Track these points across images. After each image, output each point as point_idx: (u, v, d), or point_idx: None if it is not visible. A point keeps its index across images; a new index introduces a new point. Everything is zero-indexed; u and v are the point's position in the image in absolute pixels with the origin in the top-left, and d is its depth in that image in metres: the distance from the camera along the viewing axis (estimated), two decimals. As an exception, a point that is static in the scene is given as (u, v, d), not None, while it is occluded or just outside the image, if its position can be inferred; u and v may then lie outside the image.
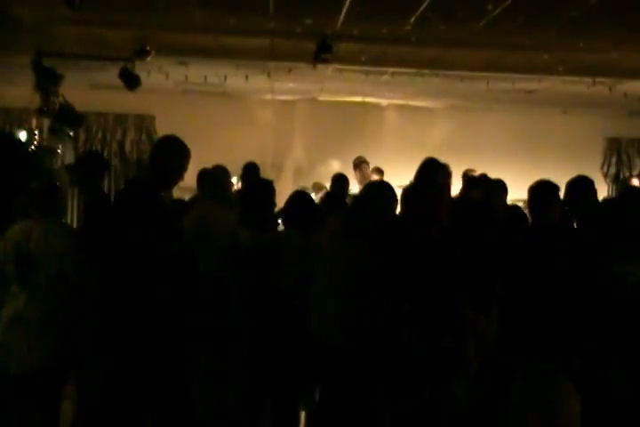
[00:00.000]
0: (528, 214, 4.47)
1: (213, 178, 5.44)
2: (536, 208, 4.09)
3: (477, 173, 6.58)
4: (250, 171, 6.81)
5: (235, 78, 8.09)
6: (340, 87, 8.92)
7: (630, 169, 11.10)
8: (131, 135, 10.43)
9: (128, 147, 10.44)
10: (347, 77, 7.85)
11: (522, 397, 2.47)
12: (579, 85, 7.78)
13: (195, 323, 4.20)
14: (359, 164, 8.76)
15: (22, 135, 8.62)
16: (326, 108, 10.38)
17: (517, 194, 6.53)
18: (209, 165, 5.66)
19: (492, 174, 6.34)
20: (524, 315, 3.73)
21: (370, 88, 8.85)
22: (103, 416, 3.88)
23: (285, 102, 10.52)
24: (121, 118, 10.40)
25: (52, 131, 8.12)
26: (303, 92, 9.74)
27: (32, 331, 4.11)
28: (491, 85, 7.92)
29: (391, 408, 3.83)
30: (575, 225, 4.40)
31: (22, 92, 7.64)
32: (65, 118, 7.67)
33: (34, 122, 8.99)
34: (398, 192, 4.04)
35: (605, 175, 11.09)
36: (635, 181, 9.39)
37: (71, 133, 8.64)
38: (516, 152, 10.33)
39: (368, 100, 10.13)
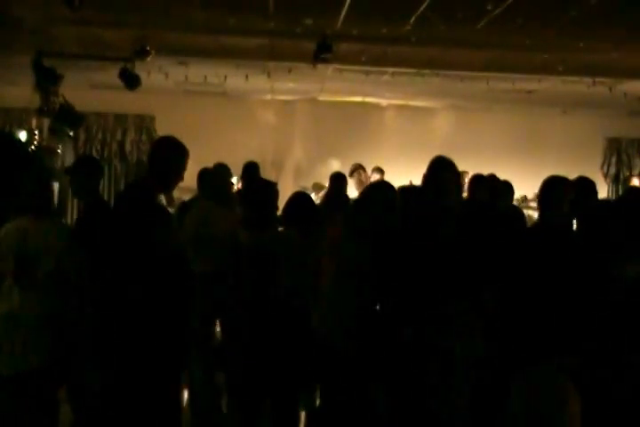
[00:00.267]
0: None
1: (214, 177, 5.43)
2: (542, 205, 4.09)
3: (475, 173, 6.55)
4: (250, 170, 6.80)
5: (235, 78, 8.09)
6: (340, 87, 8.92)
7: (630, 169, 11.11)
8: (131, 135, 10.44)
9: (128, 147, 10.44)
10: (347, 77, 7.86)
11: (522, 397, 2.47)
12: (579, 85, 7.78)
13: (194, 322, 4.21)
14: (354, 170, 8.76)
15: (22, 135, 8.63)
16: (326, 108, 10.38)
17: (517, 193, 6.55)
18: (209, 165, 5.66)
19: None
20: (524, 315, 3.73)
21: (370, 88, 8.85)
22: (102, 418, 3.88)
23: (285, 102, 10.53)
24: (121, 118, 10.40)
25: (51, 131, 8.12)
26: (303, 92, 9.75)
27: (27, 331, 4.10)
28: (491, 85, 7.92)
29: (391, 408, 3.83)
30: (576, 225, 4.40)
31: (22, 92, 7.65)
32: (65, 118, 7.67)
33: (34, 122, 9.00)
34: (398, 192, 4.06)
35: (605, 175, 11.10)
36: (635, 181, 9.39)
37: (71, 133, 8.65)
38: (516, 152, 10.33)
39: (368, 100, 10.13)
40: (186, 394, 4.96)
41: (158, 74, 7.75)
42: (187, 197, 6.25)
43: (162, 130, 10.25)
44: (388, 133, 10.62)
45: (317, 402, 4.62)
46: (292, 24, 5.65)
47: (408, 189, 4.45)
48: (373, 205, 4.02)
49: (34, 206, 4.26)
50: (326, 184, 7.58)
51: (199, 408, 5.02)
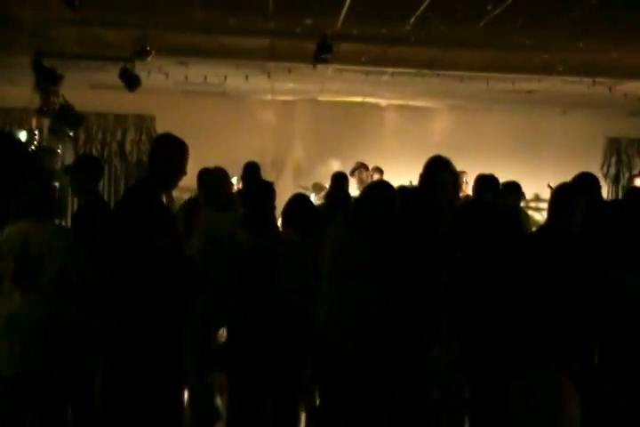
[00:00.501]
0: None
1: (212, 185, 5.40)
2: (549, 211, 4.09)
3: (480, 173, 6.55)
4: (251, 170, 6.80)
5: (235, 78, 8.09)
6: (340, 87, 8.92)
7: (630, 169, 11.10)
8: (131, 135, 10.43)
9: (128, 147, 10.44)
10: (347, 77, 7.85)
11: (522, 397, 2.46)
12: (579, 85, 7.78)
13: (194, 322, 4.21)
14: (356, 169, 8.83)
15: (22, 135, 8.63)
16: (326, 108, 10.38)
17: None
18: (209, 165, 5.66)
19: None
20: (525, 316, 3.73)
21: (370, 88, 8.85)
22: (101, 418, 3.88)
23: (285, 102, 10.52)
24: (121, 118, 10.40)
25: (51, 131, 8.12)
26: (303, 93, 9.74)
27: (28, 332, 4.09)
28: (491, 85, 7.92)
29: (391, 408, 3.83)
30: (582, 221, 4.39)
31: (22, 92, 7.65)
32: (65, 118, 7.67)
33: (34, 122, 9.00)
34: (398, 192, 4.06)
35: (605, 175, 11.09)
36: (638, 181, 9.38)
37: (71, 133, 8.64)
38: (516, 152, 10.33)
39: (368, 100, 10.13)
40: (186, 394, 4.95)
41: (158, 74, 7.74)
42: (187, 197, 6.25)
43: (162, 130, 10.19)
44: (387, 133, 10.62)
45: (317, 402, 4.63)
46: (292, 24, 5.65)
47: (407, 189, 4.45)
48: (372, 205, 4.02)
49: (36, 208, 4.26)
50: (326, 184, 7.59)
51: (198, 408, 5.03)
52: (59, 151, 8.82)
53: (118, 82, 7.13)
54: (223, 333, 5.32)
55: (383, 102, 10.46)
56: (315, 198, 8.15)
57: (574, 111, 10.32)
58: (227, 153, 8.74)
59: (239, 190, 6.89)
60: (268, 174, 8.36)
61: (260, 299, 4.28)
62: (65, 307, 4.17)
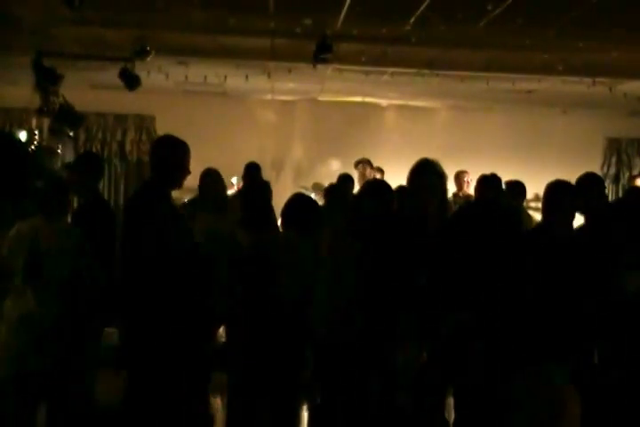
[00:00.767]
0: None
1: (204, 187, 5.40)
2: (544, 209, 4.08)
3: (483, 173, 6.55)
4: (251, 170, 6.81)
5: (235, 78, 8.08)
6: (340, 87, 8.92)
7: (630, 169, 11.09)
8: (131, 135, 10.42)
9: (128, 147, 10.43)
10: (347, 77, 7.85)
11: (522, 397, 2.47)
12: (579, 85, 7.78)
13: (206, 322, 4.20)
14: (357, 164, 8.88)
15: (22, 135, 8.62)
16: (326, 108, 10.38)
17: (517, 194, 6.51)
18: (209, 165, 5.66)
19: (492, 174, 6.34)
20: (524, 316, 3.73)
21: (370, 88, 8.85)
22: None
23: (285, 102, 10.52)
24: (121, 118, 10.39)
25: (51, 131, 8.12)
26: (303, 93, 9.74)
27: (41, 332, 4.09)
28: (491, 85, 7.92)
29: (388, 406, 3.83)
30: (584, 221, 4.39)
31: (22, 92, 7.64)
32: (65, 118, 7.67)
33: (34, 122, 8.99)
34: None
35: (605, 175, 11.07)
36: (638, 182, 9.38)
37: (71, 133, 8.64)
38: (517, 152, 10.32)
39: (368, 100, 10.13)
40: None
41: (158, 74, 7.74)
42: (187, 197, 6.25)
43: (162, 130, 10.22)
44: (388, 133, 10.61)
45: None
46: (292, 24, 5.65)
47: (405, 190, 4.45)
48: (367, 204, 4.03)
49: (45, 206, 4.26)
50: (326, 184, 7.59)
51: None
52: (59, 151, 8.81)
53: (118, 82, 7.13)
54: (223, 333, 5.32)
55: (383, 102, 10.46)
56: (315, 198, 8.14)
57: (574, 111, 10.31)
58: (227, 153, 8.74)
59: (240, 190, 6.89)
60: (268, 174, 8.37)
61: (260, 299, 4.28)
62: (77, 306, 4.18)
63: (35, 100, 7.39)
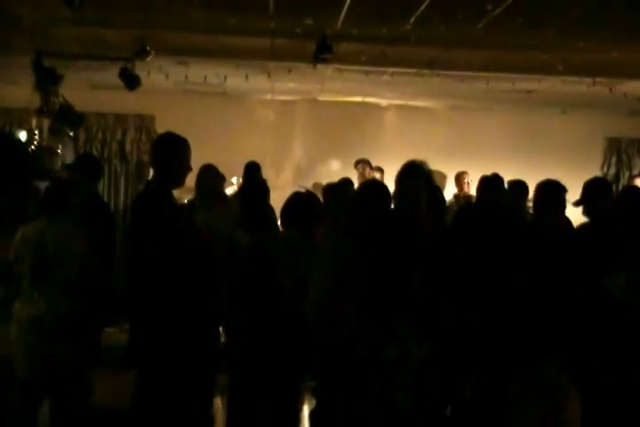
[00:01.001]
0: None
1: (205, 186, 5.40)
2: (534, 208, 4.10)
3: (483, 175, 6.55)
4: (251, 170, 6.82)
5: (235, 78, 8.08)
6: (340, 87, 8.92)
7: (630, 169, 11.09)
8: (131, 135, 10.42)
9: (128, 147, 10.43)
10: (347, 77, 7.85)
11: (522, 398, 2.47)
12: (579, 85, 7.78)
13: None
14: (356, 164, 8.91)
15: (22, 135, 8.62)
16: (326, 108, 10.38)
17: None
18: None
19: (492, 174, 6.34)
20: (522, 315, 3.73)
21: (370, 88, 8.85)
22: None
23: (285, 102, 10.52)
24: (121, 118, 10.39)
25: (51, 131, 8.12)
26: (303, 93, 9.74)
27: (52, 333, 4.10)
28: (491, 85, 7.92)
29: (387, 406, 3.83)
30: (590, 223, 4.39)
31: (22, 92, 7.64)
32: (65, 118, 7.67)
33: (34, 122, 8.99)
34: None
35: (605, 175, 11.07)
36: (638, 182, 9.38)
37: (71, 133, 8.65)
38: (516, 152, 10.32)
39: (368, 100, 10.12)
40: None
41: (158, 74, 7.74)
42: (187, 197, 6.25)
43: (162, 130, 10.11)
44: (387, 133, 10.61)
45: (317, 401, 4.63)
46: (293, 24, 5.65)
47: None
48: (363, 204, 4.03)
49: (49, 209, 4.26)
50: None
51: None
52: (59, 151, 8.82)
53: (118, 82, 7.13)
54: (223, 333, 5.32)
55: (383, 102, 10.46)
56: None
57: (574, 111, 10.31)
58: (227, 153, 8.74)
59: (238, 190, 6.90)
60: (268, 174, 8.37)
61: (259, 298, 4.28)
62: (83, 306, 4.18)
63: (35, 100, 7.38)
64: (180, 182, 3.89)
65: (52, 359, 4.11)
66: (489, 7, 4.87)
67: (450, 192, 8.79)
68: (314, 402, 4.71)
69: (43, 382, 4.15)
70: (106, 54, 6.98)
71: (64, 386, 4.20)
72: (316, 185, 8.97)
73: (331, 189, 5.70)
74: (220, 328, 5.34)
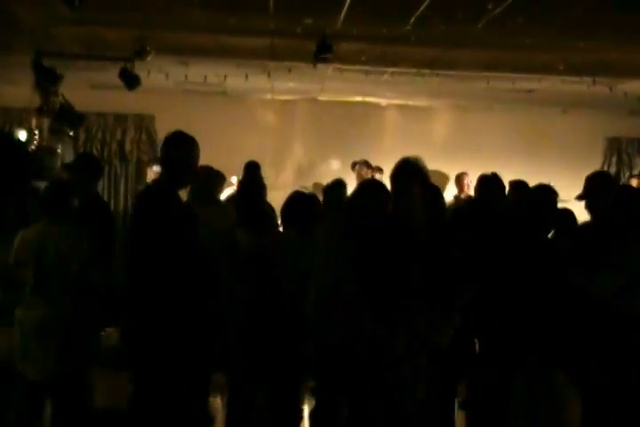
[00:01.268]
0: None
1: (203, 186, 5.39)
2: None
3: (476, 172, 6.54)
4: (251, 170, 6.81)
5: (235, 78, 8.08)
6: (340, 87, 8.92)
7: (630, 169, 11.09)
8: (131, 135, 10.42)
9: (128, 147, 10.43)
10: (347, 77, 7.85)
11: (522, 398, 2.47)
12: (579, 85, 7.78)
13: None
14: (354, 165, 8.92)
15: (22, 135, 8.62)
16: (326, 108, 10.38)
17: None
18: (209, 164, 5.65)
19: (492, 174, 6.33)
20: (521, 315, 3.73)
21: (370, 88, 8.85)
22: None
23: (285, 102, 10.52)
24: (121, 118, 10.39)
25: (52, 131, 8.12)
26: (303, 92, 9.74)
27: (56, 335, 4.10)
28: (491, 85, 7.92)
29: (387, 407, 3.83)
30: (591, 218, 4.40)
31: (22, 92, 7.64)
32: (65, 118, 7.67)
33: (34, 122, 8.99)
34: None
35: (605, 175, 11.07)
36: (634, 182, 9.38)
37: (71, 133, 8.64)
38: (517, 152, 10.32)
39: (368, 100, 10.12)
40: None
41: (158, 74, 7.74)
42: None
43: (162, 130, 10.23)
44: (388, 133, 10.61)
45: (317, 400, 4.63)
46: (292, 24, 5.65)
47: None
48: (360, 204, 4.03)
49: (49, 210, 4.24)
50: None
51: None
52: (59, 151, 8.81)
53: (118, 82, 7.13)
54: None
55: (383, 102, 10.46)
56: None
57: (574, 111, 10.31)
58: (227, 153, 8.73)
59: (237, 190, 6.89)
60: (268, 174, 8.36)
61: (259, 298, 4.28)
62: (85, 307, 4.18)
63: (35, 100, 7.38)
64: (186, 182, 3.90)
65: (52, 360, 4.10)
66: (489, 7, 4.87)
67: (451, 193, 8.79)
68: (314, 402, 4.71)
69: (45, 383, 4.14)
70: (106, 54, 6.98)
71: (64, 386, 4.19)
72: (316, 185, 8.98)
73: (326, 190, 5.73)
74: (220, 328, 5.35)
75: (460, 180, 8.99)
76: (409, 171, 3.98)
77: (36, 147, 8.25)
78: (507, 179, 6.29)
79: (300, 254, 4.32)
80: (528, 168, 9.12)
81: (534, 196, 4.24)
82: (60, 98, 7.43)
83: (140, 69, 7.06)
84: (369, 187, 4.25)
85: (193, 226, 3.77)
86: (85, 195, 4.94)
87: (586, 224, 4.44)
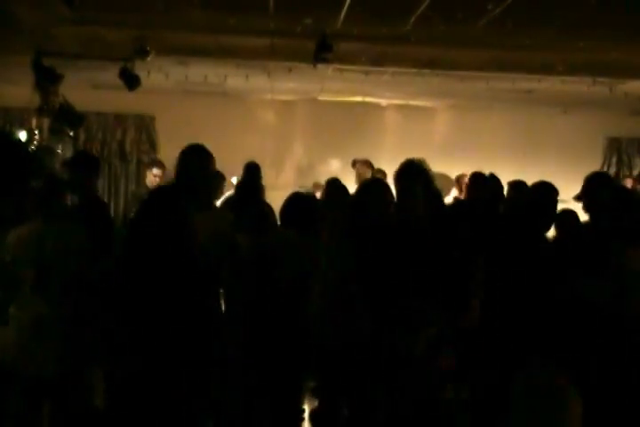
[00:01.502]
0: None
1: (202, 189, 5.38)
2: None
3: (474, 171, 6.53)
4: (251, 170, 6.80)
5: (235, 78, 8.08)
6: (340, 87, 8.92)
7: (630, 169, 11.09)
8: (131, 135, 10.42)
9: (128, 147, 10.44)
10: (347, 77, 7.85)
11: (522, 398, 2.47)
12: (579, 85, 7.78)
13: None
14: (354, 163, 8.90)
15: (22, 135, 8.61)
16: (326, 108, 10.38)
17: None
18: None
19: (492, 174, 6.33)
20: (521, 315, 3.73)
21: (370, 88, 8.85)
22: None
23: (285, 102, 10.52)
24: (121, 118, 10.39)
25: (52, 131, 8.11)
26: (303, 92, 9.74)
27: (54, 334, 4.09)
28: (491, 85, 7.92)
29: (388, 407, 3.83)
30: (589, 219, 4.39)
31: (22, 92, 7.63)
32: (65, 118, 7.67)
33: (34, 122, 8.97)
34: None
35: (605, 175, 11.07)
36: (628, 182, 9.40)
37: (71, 133, 8.63)
38: (517, 152, 10.32)
39: (368, 100, 10.13)
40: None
41: (158, 74, 7.74)
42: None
43: (162, 130, 10.25)
44: (388, 133, 10.61)
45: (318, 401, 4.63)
46: (292, 24, 5.65)
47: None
48: (361, 204, 4.03)
49: (45, 209, 4.23)
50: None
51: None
52: (59, 151, 8.80)
53: (118, 82, 7.13)
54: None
55: (383, 102, 10.46)
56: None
57: (574, 111, 10.31)
58: (227, 153, 8.69)
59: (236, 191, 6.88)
60: (268, 174, 8.35)
61: (259, 298, 4.28)
62: (83, 306, 4.17)
63: (35, 100, 7.38)
64: (194, 197, 3.88)
65: (52, 359, 4.10)
66: (489, 7, 4.87)
67: (449, 193, 8.79)
68: (314, 402, 4.71)
69: (44, 383, 4.14)
70: (106, 54, 6.98)
71: (64, 386, 4.19)
72: (316, 185, 8.97)
73: (326, 189, 5.73)
74: (220, 329, 5.35)
75: (459, 181, 8.97)
76: (413, 171, 3.98)
77: (36, 147, 8.24)
78: (507, 179, 6.29)
79: (300, 255, 4.32)
80: (528, 168, 9.12)
81: (534, 195, 4.22)
82: (60, 98, 7.43)
83: (140, 69, 7.06)
84: (372, 186, 4.25)
85: (192, 228, 3.76)
86: (85, 193, 4.93)
87: (585, 225, 4.43)
